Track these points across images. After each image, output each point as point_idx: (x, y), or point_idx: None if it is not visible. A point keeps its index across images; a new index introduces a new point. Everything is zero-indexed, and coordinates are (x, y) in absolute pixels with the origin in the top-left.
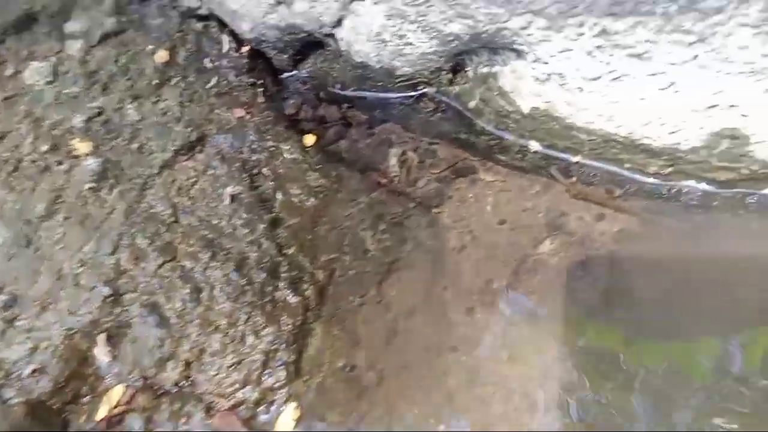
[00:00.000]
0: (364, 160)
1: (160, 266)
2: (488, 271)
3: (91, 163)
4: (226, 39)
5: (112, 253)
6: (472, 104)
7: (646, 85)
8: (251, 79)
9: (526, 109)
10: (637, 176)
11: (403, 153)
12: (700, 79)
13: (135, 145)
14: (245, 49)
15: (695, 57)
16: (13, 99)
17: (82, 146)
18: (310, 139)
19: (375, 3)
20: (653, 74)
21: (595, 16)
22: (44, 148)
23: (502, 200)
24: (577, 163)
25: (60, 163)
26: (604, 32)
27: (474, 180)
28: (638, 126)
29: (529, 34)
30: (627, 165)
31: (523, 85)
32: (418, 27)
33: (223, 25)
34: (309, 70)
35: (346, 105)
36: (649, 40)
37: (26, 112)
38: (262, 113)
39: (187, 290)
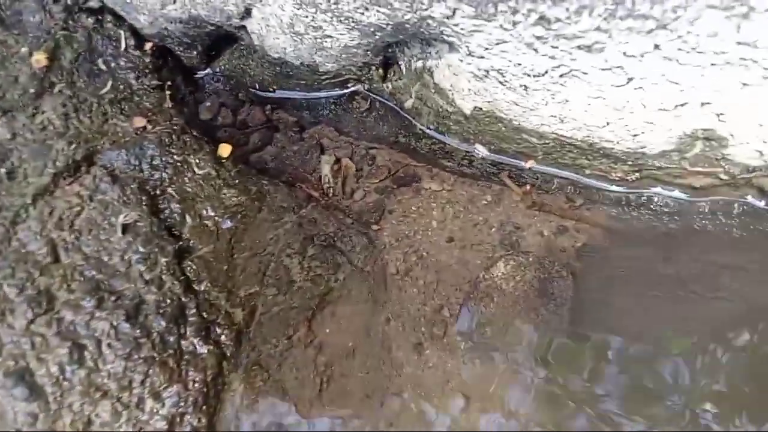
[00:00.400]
0: (293, 170)
1: (31, 321)
2: (437, 299)
3: None
4: (123, 35)
5: None
6: (408, 103)
7: (600, 82)
8: (156, 81)
9: (467, 109)
10: (600, 183)
11: (337, 160)
12: (665, 74)
13: (3, 170)
14: (149, 45)
15: (657, 47)
16: None
17: None
18: (225, 150)
19: None
20: (608, 69)
21: (529, 1)
22: None
23: (450, 213)
24: (530, 169)
25: None
26: (543, 20)
27: (418, 189)
28: (596, 128)
29: (455, 24)
30: (587, 171)
31: (460, 82)
32: (332, 17)
33: (120, 19)
34: (224, 68)
35: (270, 106)
36: (598, 28)
37: None
38: (168, 121)
39: (66, 349)
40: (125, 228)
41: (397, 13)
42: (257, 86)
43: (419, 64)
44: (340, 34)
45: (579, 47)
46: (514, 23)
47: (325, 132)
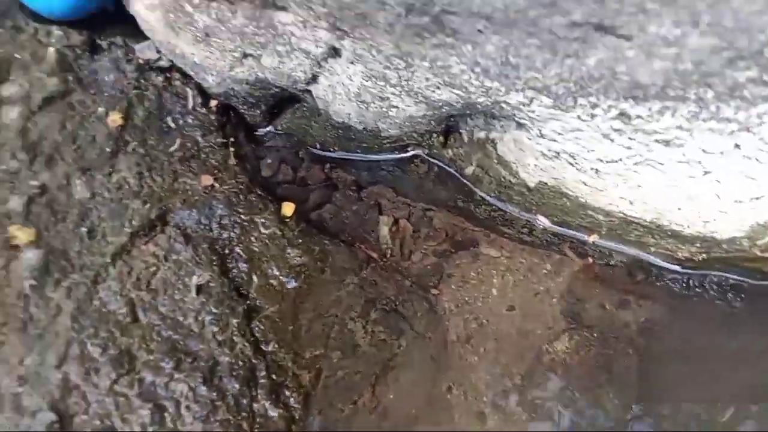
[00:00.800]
0: (352, 230)
1: (115, 381)
2: (499, 368)
3: (32, 257)
4: (191, 93)
5: (59, 366)
6: (468, 170)
7: (676, 173)
8: (221, 139)
9: (531, 183)
10: (665, 262)
11: (395, 221)
12: (743, 170)
13: (84, 230)
14: (214, 103)
15: (737, 146)
16: None
17: (21, 234)
18: (288, 208)
19: (351, 62)
20: (685, 162)
21: (611, 98)
22: None
23: (510, 281)
24: (593, 243)
25: None
26: (622, 115)
27: (476, 254)
28: (667, 212)
29: (531, 111)
30: (652, 249)
31: (526, 157)
32: (401, 91)
33: (187, 77)
34: (286, 127)
35: (329, 165)
36: (680, 126)
37: None
38: (234, 179)
39: (148, 411)
40: (199, 289)
41: (471, 96)
42: (318, 146)
43: (482, 134)
44: (407, 105)
45: (657, 141)
46: (593, 116)
47: (383, 192)
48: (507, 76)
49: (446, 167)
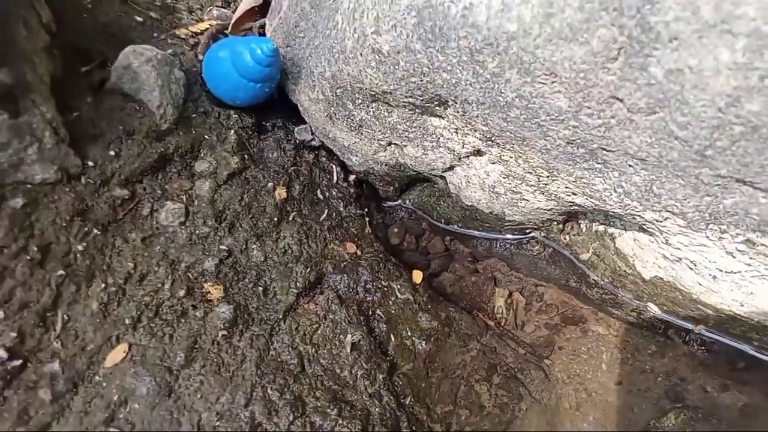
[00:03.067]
0: (471, 299)
1: (291, 422)
2: None
3: (225, 311)
4: (335, 169)
5: (246, 405)
6: (584, 256)
7: None
8: (358, 210)
9: (646, 275)
10: (765, 355)
11: (510, 294)
12: None
13: (260, 288)
14: (352, 178)
15: None
16: (149, 239)
17: (214, 291)
18: (418, 276)
19: (492, 163)
20: None
21: (740, 229)
22: (181, 293)
23: (618, 358)
24: (698, 333)
25: (195, 308)
26: (748, 242)
27: (585, 330)
28: None
29: (662, 225)
30: (755, 343)
31: (645, 255)
32: (536, 190)
33: (332, 154)
34: (414, 201)
35: (449, 237)
36: None
37: (162, 254)
38: (371, 246)
39: None
40: (353, 346)
41: (606, 206)
42: (443, 221)
43: (601, 228)
44: (538, 200)
45: None
46: (720, 238)
47: (498, 266)
48: (647, 200)
49: (561, 250)
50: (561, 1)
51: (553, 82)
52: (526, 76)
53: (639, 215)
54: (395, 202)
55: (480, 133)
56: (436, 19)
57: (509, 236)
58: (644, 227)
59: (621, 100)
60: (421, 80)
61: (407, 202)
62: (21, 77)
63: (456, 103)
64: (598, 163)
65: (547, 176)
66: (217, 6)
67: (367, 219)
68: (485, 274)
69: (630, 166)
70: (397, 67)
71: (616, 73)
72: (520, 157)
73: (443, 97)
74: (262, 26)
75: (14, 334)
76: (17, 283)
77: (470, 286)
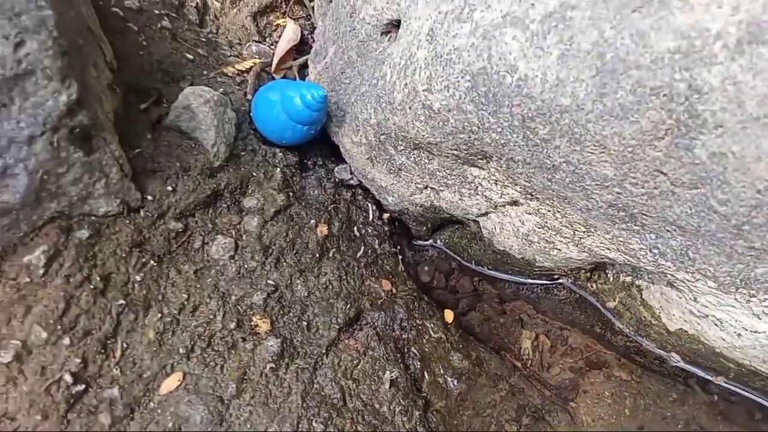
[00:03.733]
0: (499, 339)
1: None
2: None
3: (273, 344)
4: (371, 208)
5: None
6: (610, 304)
7: None
8: (392, 248)
9: (672, 327)
10: None
11: (536, 336)
12: None
13: (304, 323)
14: (386, 216)
15: None
16: (201, 271)
17: (262, 324)
18: (449, 315)
19: (529, 213)
20: None
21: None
22: (232, 325)
23: (641, 404)
24: (719, 384)
25: (245, 340)
26: None
27: (608, 375)
28: None
29: (693, 285)
30: None
31: (671, 308)
32: (570, 242)
33: (367, 192)
34: (445, 242)
35: (477, 278)
36: None
37: (214, 286)
38: (404, 284)
39: None
40: (391, 383)
41: (639, 263)
42: (473, 262)
43: (628, 279)
44: (570, 251)
45: None
46: (748, 301)
47: (525, 308)
48: (682, 262)
49: (588, 297)
50: (614, 83)
51: (601, 153)
52: (576, 145)
53: (672, 274)
54: (426, 242)
55: (521, 188)
56: (490, 85)
57: (537, 281)
58: (674, 284)
59: (665, 174)
60: (469, 137)
61: (438, 242)
62: (95, 117)
63: (501, 159)
64: (637, 225)
65: (584, 231)
66: (254, 41)
67: (400, 257)
68: (512, 316)
69: (668, 231)
70: (446, 123)
71: (663, 150)
72: (558, 212)
73: (488, 153)
74: (301, 66)
75: (79, 360)
76: (82, 311)
77: (498, 327)
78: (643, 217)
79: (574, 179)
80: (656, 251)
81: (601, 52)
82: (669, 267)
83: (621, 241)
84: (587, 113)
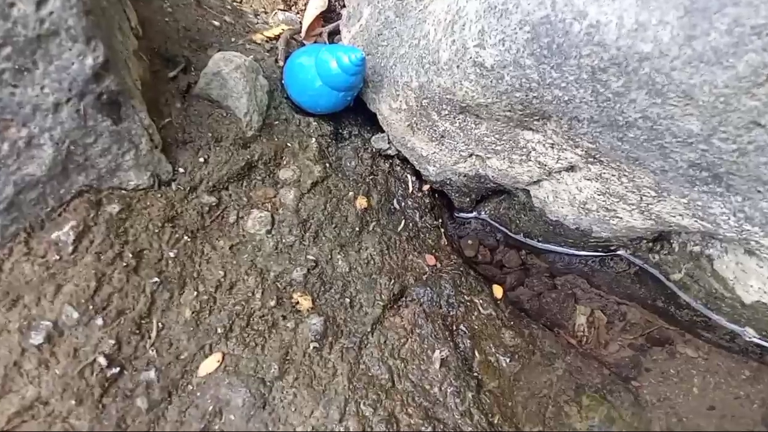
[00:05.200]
0: (551, 315)
1: None
2: None
3: (316, 322)
4: (410, 179)
5: (340, 420)
6: (675, 276)
7: None
8: (433, 221)
9: (747, 300)
10: None
11: (591, 312)
12: None
13: (347, 300)
14: (426, 187)
15: None
16: (237, 247)
17: (303, 301)
18: (498, 291)
19: (588, 179)
20: None
21: None
22: (271, 303)
23: (710, 382)
24: None
25: (285, 318)
26: None
27: (672, 352)
28: None
29: None
30: None
31: (749, 279)
32: (635, 209)
33: (405, 163)
34: (491, 214)
35: (525, 251)
36: None
37: (251, 263)
38: (449, 259)
39: None
40: (441, 362)
41: (718, 229)
42: (521, 234)
43: (696, 249)
44: (634, 219)
45: None
46: None
47: (578, 282)
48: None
49: (649, 269)
50: (706, 23)
51: (686, 105)
52: (656, 97)
53: (757, 241)
54: (470, 214)
55: (582, 150)
56: (554, 35)
57: (592, 253)
58: (756, 252)
59: (763, 126)
60: (527, 96)
61: (483, 213)
62: (123, 83)
63: (562, 119)
64: (721, 187)
65: (654, 196)
66: (279, 9)
67: (442, 230)
68: (564, 291)
69: (759, 192)
70: (500, 81)
71: (762, 98)
72: (625, 176)
73: (548, 113)
74: (331, 32)
75: (113, 342)
76: (114, 290)
77: (550, 303)
78: (731, 176)
79: (650, 137)
80: (741, 215)
81: None
82: (756, 233)
83: (699, 206)
84: (672, 60)
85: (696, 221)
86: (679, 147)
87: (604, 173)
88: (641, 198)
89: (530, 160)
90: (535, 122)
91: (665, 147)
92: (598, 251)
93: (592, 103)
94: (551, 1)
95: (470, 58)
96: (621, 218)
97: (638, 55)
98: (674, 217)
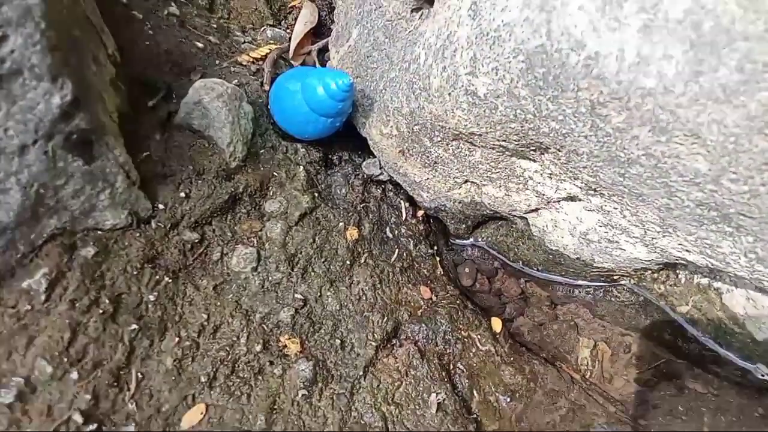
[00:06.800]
0: (553, 348)
1: None
2: None
3: (304, 368)
4: (404, 205)
5: None
6: (682, 309)
7: None
8: (428, 249)
9: (760, 337)
10: None
11: (595, 344)
12: None
13: (338, 341)
14: (420, 213)
15: None
16: (221, 286)
17: (291, 345)
18: (497, 324)
19: (589, 210)
20: None
21: None
22: (257, 347)
23: (721, 420)
24: None
25: (273, 364)
26: None
27: (680, 387)
28: None
29: None
30: None
31: (762, 315)
32: (639, 242)
33: (398, 188)
34: (488, 241)
35: (524, 280)
36: None
37: (236, 303)
38: (445, 290)
39: None
40: (438, 406)
41: (727, 267)
42: (520, 262)
43: (704, 281)
44: (637, 251)
45: None
46: None
47: (580, 312)
48: None
49: (654, 300)
50: (714, 59)
51: (693, 144)
52: (661, 135)
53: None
54: (466, 240)
55: (582, 182)
56: (550, 66)
57: (594, 283)
58: (761, 287)
59: None
60: (522, 127)
61: (480, 240)
62: (95, 120)
63: (560, 151)
64: (731, 227)
65: (659, 231)
66: (269, 25)
67: (437, 259)
68: (566, 321)
69: None
70: (494, 111)
71: None
72: (628, 210)
73: (545, 145)
74: (321, 50)
75: (89, 396)
76: (90, 340)
77: (551, 334)
78: (741, 218)
79: (654, 175)
80: (753, 255)
81: (697, 21)
82: (766, 274)
83: (707, 244)
84: (677, 96)
85: (704, 258)
86: (685, 186)
87: (606, 206)
88: (645, 232)
89: (528, 189)
90: (531, 153)
91: (670, 185)
92: (600, 281)
93: (592, 138)
94: (546, 30)
95: (462, 86)
96: (624, 250)
97: (641, 91)
98: (680, 252)
